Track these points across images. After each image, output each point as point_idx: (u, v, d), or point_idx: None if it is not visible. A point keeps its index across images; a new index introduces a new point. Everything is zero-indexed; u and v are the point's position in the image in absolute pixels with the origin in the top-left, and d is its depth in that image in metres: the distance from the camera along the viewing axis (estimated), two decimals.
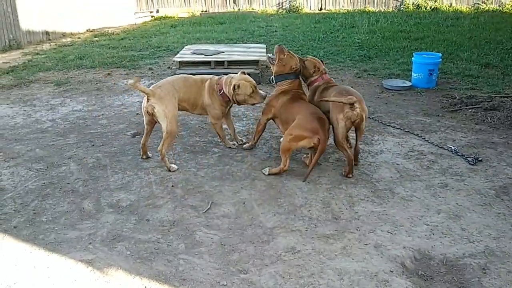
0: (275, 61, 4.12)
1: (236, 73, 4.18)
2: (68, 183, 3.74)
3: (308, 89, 4.26)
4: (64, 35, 12.62)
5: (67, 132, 4.88)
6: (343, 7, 16.60)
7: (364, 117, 3.76)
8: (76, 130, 4.95)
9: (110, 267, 2.69)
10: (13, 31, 10.95)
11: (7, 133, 4.86)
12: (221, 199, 3.46)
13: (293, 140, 3.69)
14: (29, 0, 11.41)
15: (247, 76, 4.13)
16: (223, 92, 4.11)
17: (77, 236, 3.01)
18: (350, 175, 3.76)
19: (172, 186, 3.68)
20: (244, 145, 4.39)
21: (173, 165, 3.98)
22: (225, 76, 4.18)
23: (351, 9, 16.19)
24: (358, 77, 7.07)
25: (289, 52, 4.11)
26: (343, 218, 3.17)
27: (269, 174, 3.83)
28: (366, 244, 2.87)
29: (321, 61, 4.29)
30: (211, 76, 4.32)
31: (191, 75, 4.35)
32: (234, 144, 4.42)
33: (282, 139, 3.89)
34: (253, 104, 4.20)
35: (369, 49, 8.84)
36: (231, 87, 4.02)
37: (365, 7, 16.22)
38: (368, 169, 3.91)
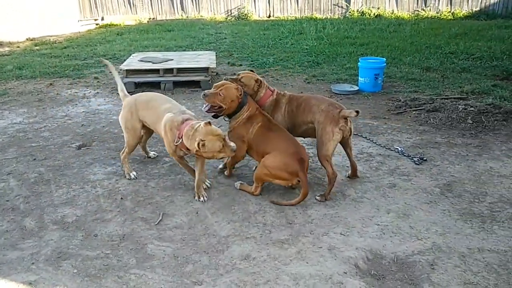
0: (216, 105, 3.58)
1: (198, 121, 3.38)
2: (8, 201, 3.51)
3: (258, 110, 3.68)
4: (1, 44, 11.98)
5: (5, 147, 4.60)
6: (291, 14, 16.92)
7: (352, 131, 3.65)
8: (16, 143, 4.69)
9: None
10: None
11: None
12: (173, 210, 3.38)
13: (270, 176, 3.43)
14: None
15: (213, 127, 3.28)
16: (182, 142, 3.37)
17: (18, 256, 2.83)
18: (329, 197, 3.50)
19: (121, 198, 3.56)
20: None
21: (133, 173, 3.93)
22: (188, 125, 3.35)
23: (299, 16, 16.53)
24: (308, 82, 7.20)
25: (220, 86, 3.60)
26: (297, 222, 3.19)
27: (239, 189, 3.64)
28: (320, 247, 2.90)
29: (252, 71, 3.94)
30: (174, 115, 3.51)
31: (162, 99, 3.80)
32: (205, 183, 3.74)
33: (256, 167, 3.64)
34: (221, 158, 3.49)
35: (317, 55, 9.05)
36: (195, 144, 3.23)
37: (312, 14, 16.61)
38: (320, 172, 3.97)
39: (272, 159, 3.42)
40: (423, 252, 2.84)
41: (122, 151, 3.96)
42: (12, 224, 3.19)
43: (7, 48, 11.37)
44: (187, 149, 3.37)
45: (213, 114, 3.68)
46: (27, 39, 12.98)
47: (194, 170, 3.63)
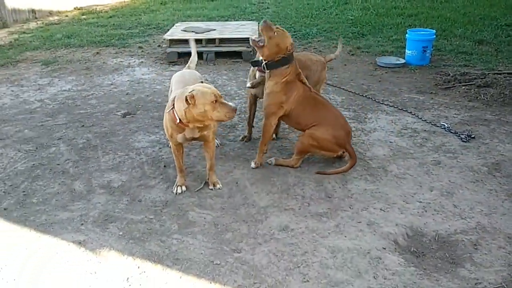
0: (262, 42, 3.34)
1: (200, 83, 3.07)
2: (58, 164, 3.70)
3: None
4: (51, 13, 12.33)
5: (56, 113, 4.81)
6: None
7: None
8: (65, 110, 4.88)
9: (102, 248, 2.69)
10: None
11: None
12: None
13: (317, 148, 3.44)
14: None
15: (206, 84, 3.02)
16: (173, 109, 3.00)
17: (68, 217, 3.00)
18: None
19: (164, 166, 3.66)
20: (252, 164, 3.60)
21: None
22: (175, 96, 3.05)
23: None
24: (352, 54, 7.00)
25: (279, 28, 3.37)
26: (336, 196, 3.17)
27: (276, 165, 3.58)
28: (359, 222, 2.88)
29: None
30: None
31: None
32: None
33: (299, 136, 3.57)
34: (218, 121, 3.16)
35: (363, 26, 8.74)
36: (183, 100, 2.86)
37: None
38: (362, 147, 3.90)
39: (323, 130, 3.40)
40: (466, 232, 2.77)
41: None
42: (63, 187, 3.37)
43: (56, 17, 11.70)
44: (181, 123, 2.97)
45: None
46: (74, 8, 13.27)
47: (182, 170, 3.33)
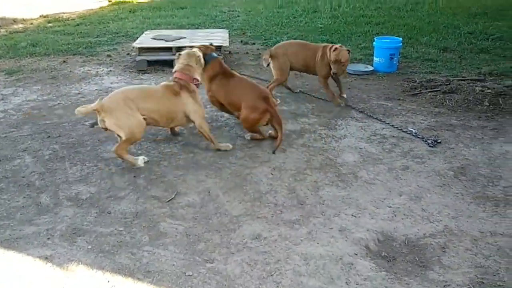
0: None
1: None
2: (23, 177, 3.58)
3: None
4: (15, 21, 11.99)
5: (20, 123, 4.66)
6: None
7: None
8: (31, 121, 4.74)
9: (70, 263, 2.62)
10: None
11: None
12: (185, 189, 3.42)
13: (254, 124, 4.06)
14: None
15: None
16: (194, 78, 3.95)
17: (34, 231, 2.90)
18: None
19: (134, 177, 3.60)
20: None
21: (140, 158, 3.77)
22: (176, 69, 4.00)
23: None
24: None
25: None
26: (308, 203, 3.20)
27: (250, 139, 4.20)
28: (330, 228, 2.91)
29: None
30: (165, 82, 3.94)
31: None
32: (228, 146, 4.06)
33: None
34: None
35: (332, 34, 8.90)
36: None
37: None
38: (332, 153, 3.96)
39: (247, 112, 4.00)
40: (435, 235, 2.84)
41: None
42: (28, 200, 3.26)
43: (20, 25, 11.39)
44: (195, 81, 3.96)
45: None
46: (40, 16, 12.96)
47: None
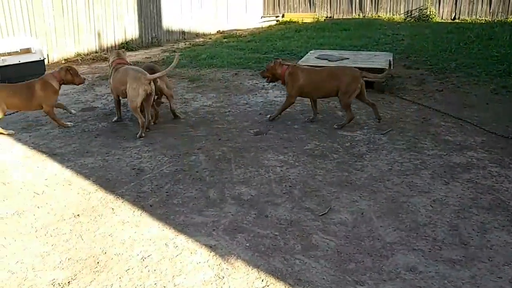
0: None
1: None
2: (197, 172, 4.01)
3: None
4: (197, 35, 13.62)
5: (197, 124, 5.25)
6: (480, 17, 15.23)
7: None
8: (205, 123, 5.30)
9: (230, 256, 2.82)
10: (156, 30, 12.13)
11: None
12: (338, 206, 3.41)
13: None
14: (171, 2, 12.52)
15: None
16: None
17: (202, 221, 3.22)
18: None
19: (290, 186, 3.73)
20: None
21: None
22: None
23: (490, 20, 14.76)
24: (495, 93, 6.41)
25: None
26: (473, 244, 2.90)
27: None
28: (499, 277, 2.58)
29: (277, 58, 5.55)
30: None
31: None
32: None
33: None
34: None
35: (510, 64, 7.96)
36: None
37: (507, 18, 14.66)
38: (505, 195, 3.52)
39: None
40: None
41: None
42: (199, 193, 3.63)
43: (201, 39, 12.88)
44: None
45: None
46: (217, 32, 14.49)
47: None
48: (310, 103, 5.39)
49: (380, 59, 7.45)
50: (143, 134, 4.79)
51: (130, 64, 5.22)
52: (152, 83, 4.71)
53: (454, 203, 3.40)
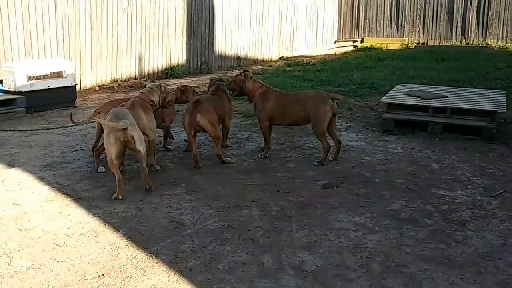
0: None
1: None
2: (249, 230, 4.04)
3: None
4: (255, 61, 14.06)
5: (252, 171, 5.35)
6: None
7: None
8: (261, 170, 5.38)
9: None
10: (206, 54, 12.69)
11: (186, 162, 5.56)
12: None
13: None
14: (226, 23, 13.11)
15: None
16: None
17: None
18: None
19: (367, 257, 3.65)
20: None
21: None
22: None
23: None
24: None
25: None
26: None
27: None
28: None
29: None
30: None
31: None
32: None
33: None
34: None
35: None
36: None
37: None
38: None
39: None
40: None
41: None
42: (251, 257, 3.64)
43: (260, 66, 13.29)
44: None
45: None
46: (280, 58, 14.89)
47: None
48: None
49: (489, 99, 7.28)
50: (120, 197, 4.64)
51: (149, 102, 5.29)
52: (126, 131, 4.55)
53: None
